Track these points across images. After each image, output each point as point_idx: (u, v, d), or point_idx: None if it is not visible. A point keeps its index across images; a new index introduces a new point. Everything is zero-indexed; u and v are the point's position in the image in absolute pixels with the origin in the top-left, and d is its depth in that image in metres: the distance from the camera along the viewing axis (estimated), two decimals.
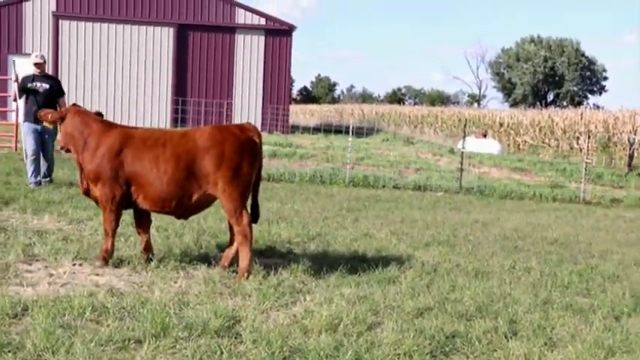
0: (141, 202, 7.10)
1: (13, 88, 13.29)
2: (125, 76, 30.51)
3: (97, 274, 6.84)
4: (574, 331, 6.01)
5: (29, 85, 12.54)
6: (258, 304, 6.12)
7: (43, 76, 12.83)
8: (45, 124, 7.72)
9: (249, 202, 7.34)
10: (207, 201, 7.19)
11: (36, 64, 12.71)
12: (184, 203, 7.04)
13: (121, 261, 7.28)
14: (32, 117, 12.10)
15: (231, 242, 7.43)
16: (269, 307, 6.10)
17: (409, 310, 6.23)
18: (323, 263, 7.73)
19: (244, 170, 7.01)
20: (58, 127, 7.58)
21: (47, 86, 12.59)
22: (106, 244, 7.20)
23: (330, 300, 6.37)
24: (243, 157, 6.99)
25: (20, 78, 13.13)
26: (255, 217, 7.43)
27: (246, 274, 6.93)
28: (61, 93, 12.91)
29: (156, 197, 7.00)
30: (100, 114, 7.67)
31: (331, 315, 5.82)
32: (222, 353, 4.87)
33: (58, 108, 11.88)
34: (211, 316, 5.56)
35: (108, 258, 7.15)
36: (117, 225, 7.22)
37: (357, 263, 7.94)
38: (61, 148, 7.68)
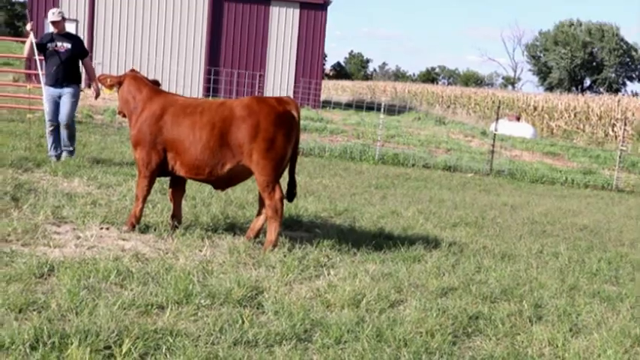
0: (177, 169, 7.13)
1: (27, 45, 11.22)
2: (159, 44, 30.57)
3: (124, 239, 6.89)
4: (600, 318, 5.94)
5: (48, 45, 11.21)
6: (282, 276, 6.13)
7: (63, 35, 11.35)
8: (103, 88, 7.77)
9: (285, 178, 7.32)
10: (242, 172, 7.15)
11: (53, 23, 11.25)
12: (217, 172, 7.04)
13: (148, 227, 7.32)
14: (52, 80, 11.17)
15: (259, 214, 7.43)
16: (292, 280, 6.11)
17: (433, 290, 6.21)
18: (349, 239, 7.72)
19: (280, 143, 6.96)
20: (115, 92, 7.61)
21: (69, 46, 11.25)
22: (135, 209, 7.24)
23: (354, 275, 6.36)
24: (280, 130, 6.95)
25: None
26: (291, 195, 7.38)
27: (271, 247, 6.94)
28: (85, 53, 11.62)
29: (190, 164, 7.02)
30: (156, 82, 7.71)
31: (354, 290, 5.82)
32: (243, 322, 4.88)
33: (83, 70, 11.59)
34: (234, 285, 5.57)
35: (135, 223, 7.20)
36: (149, 192, 7.26)
37: (382, 240, 7.93)
38: (118, 113, 7.81)
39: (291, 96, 30.83)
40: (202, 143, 6.94)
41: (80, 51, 11.53)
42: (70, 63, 11.28)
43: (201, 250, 6.76)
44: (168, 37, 30.74)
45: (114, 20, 30.55)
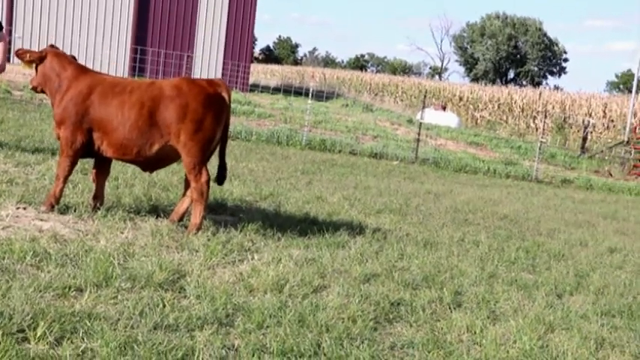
0: (104, 149, 6.95)
1: None
2: (84, 20, 29.74)
3: (42, 220, 6.68)
4: (517, 305, 6.07)
5: None
6: (205, 260, 6.05)
7: None
8: (22, 63, 7.44)
9: (215, 162, 7.23)
10: (170, 153, 7.01)
11: None
12: (145, 152, 6.89)
13: (68, 207, 7.11)
14: None
15: (183, 196, 7.33)
16: (215, 264, 6.04)
17: (356, 276, 6.23)
18: (273, 223, 7.68)
19: (208, 125, 6.87)
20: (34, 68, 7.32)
21: None
22: (54, 189, 7.04)
23: (278, 260, 6.33)
24: (209, 111, 6.85)
25: None
26: (221, 178, 7.32)
27: (195, 230, 6.86)
28: None
29: (118, 143, 6.86)
30: (73, 57, 7.47)
31: (277, 275, 5.79)
32: (164, 306, 4.80)
33: None
34: (156, 268, 5.47)
35: (55, 204, 6.99)
36: (70, 172, 7.06)
37: (307, 226, 7.91)
38: (33, 88, 7.45)
39: (219, 77, 30.54)
40: (131, 122, 6.79)
41: None
42: None
43: (122, 233, 6.61)
44: (93, 13, 29.95)
45: None
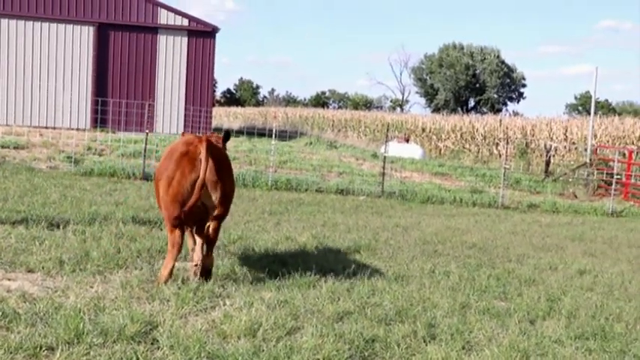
0: None
1: None
2: (44, 75, 29.64)
3: (9, 279, 6.63)
4: (491, 334, 6.12)
5: None
6: (177, 309, 6.03)
7: None
8: None
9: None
10: None
11: None
12: None
13: (35, 266, 7.06)
14: None
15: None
16: (187, 312, 6.02)
17: (329, 315, 6.24)
18: (243, 267, 7.70)
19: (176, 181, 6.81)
20: None
21: None
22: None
23: (250, 304, 6.33)
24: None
25: None
26: None
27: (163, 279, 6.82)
28: None
29: None
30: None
31: (251, 320, 5.78)
32: (138, 359, 4.77)
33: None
34: (128, 321, 5.44)
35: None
36: None
37: (278, 267, 7.92)
38: None
39: (182, 124, 30.56)
40: None
41: None
42: None
43: (92, 287, 6.58)
44: (52, 67, 29.89)
45: None
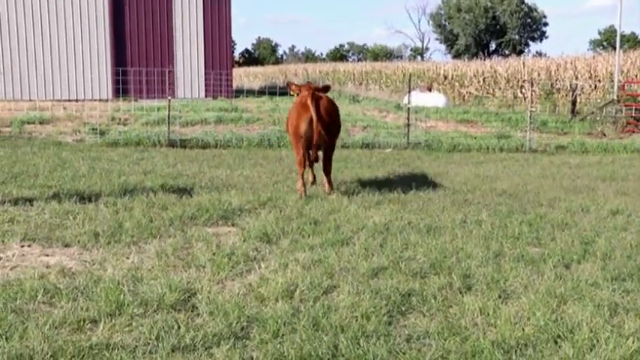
0: None
1: None
2: (62, 48, 29.74)
3: (47, 255, 6.75)
4: (526, 281, 6.13)
5: None
6: (213, 275, 6.11)
7: None
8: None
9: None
10: None
11: None
12: None
13: (70, 240, 7.18)
14: None
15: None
16: (224, 278, 6.10)
17: (364, 272, 6.28)
18: (276, 229, 7.75)
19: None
20: None
21: None
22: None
23: (285, 266, 6.39)
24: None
25: None
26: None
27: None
28: None
29: None
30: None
31: (287, 282, 5.85)
32: (179, 327, 4.86)
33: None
34: (166, 290, 5.54)
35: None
36: None
37: (309, 227, 7.97)
38: None
39: (203, 88, 30.60)
40: None
41: None
42: None
43: (128, 258, 6.68)
44: (70, 40, 29.95)
45: (10, 26, 29.57)
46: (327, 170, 10.67)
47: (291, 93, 10.86)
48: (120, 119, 21.52)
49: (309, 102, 9.82)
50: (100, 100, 27.48)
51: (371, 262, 6.59)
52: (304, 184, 10.24)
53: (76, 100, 27.55)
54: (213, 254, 6.71)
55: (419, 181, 11.93)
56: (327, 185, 10.68)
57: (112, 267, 6.31)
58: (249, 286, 5.88)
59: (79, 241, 7.14)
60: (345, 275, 6.20)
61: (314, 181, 10.84)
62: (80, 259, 6.64)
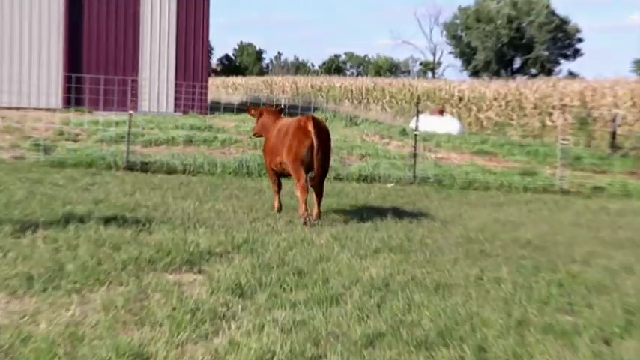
0: None
1: None
2: (5, 46, 29.65)
3: None
4: (556, 359, 5.98)
5: None
6: (171, 336, 5.93)
7: None
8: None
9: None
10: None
11: None
12: None
13: None
14: None
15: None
16: (184, 340, 5.92)
17: (357, 339, 6.12)
18: (251, 279, 7.62)
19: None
20: None
21: None
22: None
23: (261, 327, 6.24)
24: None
25: None
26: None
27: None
28: None
29: None
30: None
31: (261, 348, 5.69)
32: None
33: None
34: (112, 354, 5.36)
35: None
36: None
37: (292, 278, 7.84)
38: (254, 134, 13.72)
39: (173, 101, 30.52)
40: None
41: None
42: None
43: (68, 310, 6.49)
44: (15, 36, 29.81)
45: None
46: (319, 194, 12.05)
47: (251, 116, 12.85)
48: (69, 134, 21.38)
49: (310, 127, 11.44)
50: (48, 109, 27.25)
51: (366, 326, 6.45)
52: (307, 209, 11.50)
53: (18, 109, 27.30)
54: (173, 309, 6.54)
55: (426, 225, 11.84)
56: (316, 210, 11.99)
57: (46, 321, 6.12)
58: (214, 352, 5.71)
59: (7, 286, 6.95)
60: (333, 342, 6.03)
61: (280, 209, 12.56)
62: (7, 309, 6.45)
